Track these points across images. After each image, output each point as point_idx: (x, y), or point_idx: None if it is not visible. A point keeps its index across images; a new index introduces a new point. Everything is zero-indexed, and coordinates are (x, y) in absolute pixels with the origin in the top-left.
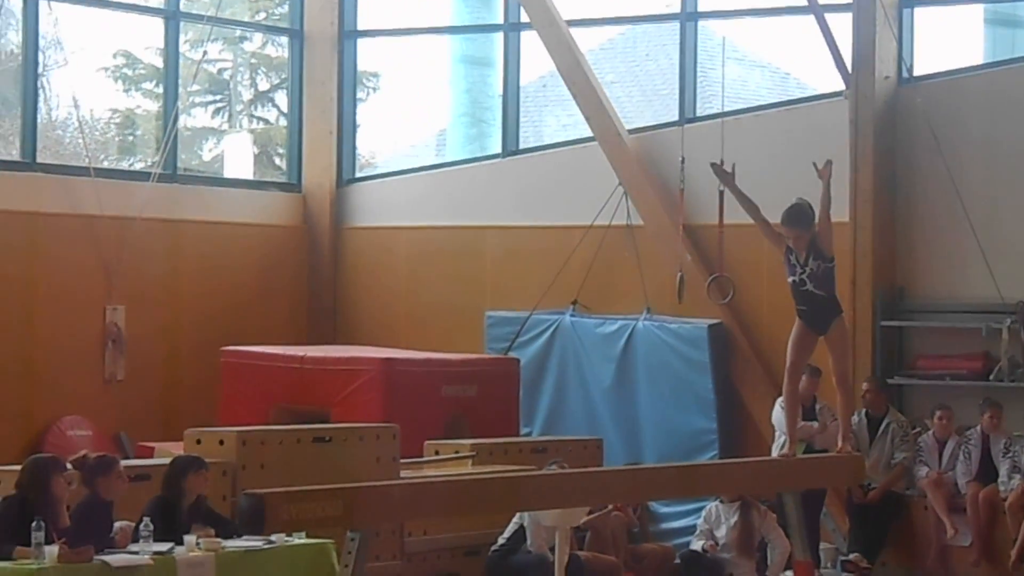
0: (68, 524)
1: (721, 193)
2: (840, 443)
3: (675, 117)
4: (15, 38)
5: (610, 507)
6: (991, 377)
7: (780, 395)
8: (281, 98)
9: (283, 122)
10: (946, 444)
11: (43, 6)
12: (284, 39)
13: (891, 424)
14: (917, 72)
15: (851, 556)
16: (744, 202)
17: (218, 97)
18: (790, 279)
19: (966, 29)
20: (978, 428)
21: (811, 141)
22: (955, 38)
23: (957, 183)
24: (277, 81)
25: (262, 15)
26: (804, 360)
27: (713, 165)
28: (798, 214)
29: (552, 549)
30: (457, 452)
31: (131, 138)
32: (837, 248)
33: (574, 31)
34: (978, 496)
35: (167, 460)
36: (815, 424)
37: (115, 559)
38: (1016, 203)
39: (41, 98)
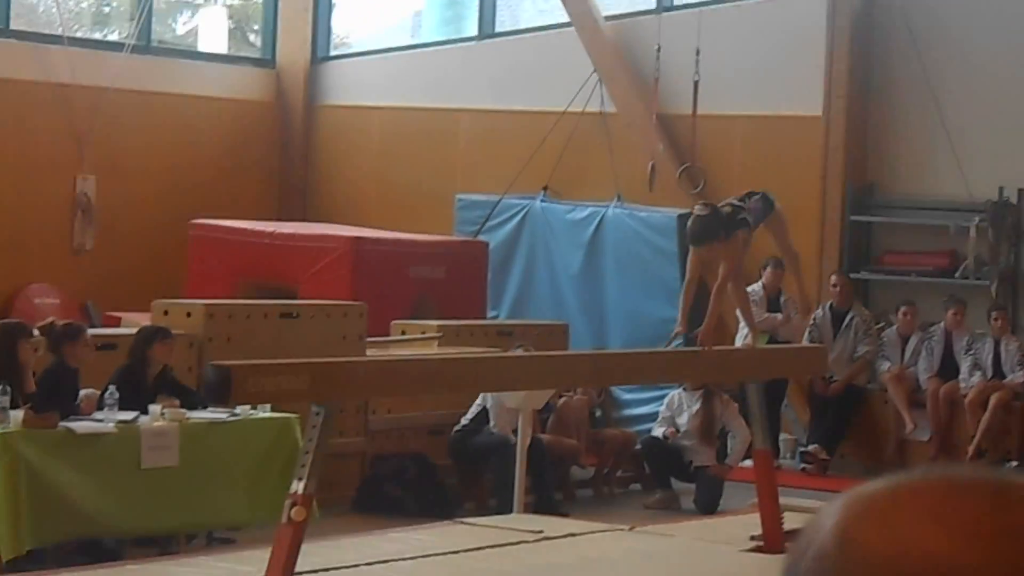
0: (33, 390)
1: (695, 83)
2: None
3: (652, 5)
4: None
5: (574, 392)
6: (957, 275)
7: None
8: None
9: None
10: (909, 340)
11: None
12: None
13: (855, 318)
14: None
15: (810, 447)
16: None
17: None
18: None
19: None
20: (941, 325)
21: (788, 34)
22: None
23: (931, 81)
24: None
25: None
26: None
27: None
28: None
29: (515, 431)
30: (423, 332)
31: (106, 9)
32: (809, 143)
33: None
34: (938, 392)
35: (134, 330)
36: (779, 316)
37: (79, 426)
38: (989, 103)
39: None
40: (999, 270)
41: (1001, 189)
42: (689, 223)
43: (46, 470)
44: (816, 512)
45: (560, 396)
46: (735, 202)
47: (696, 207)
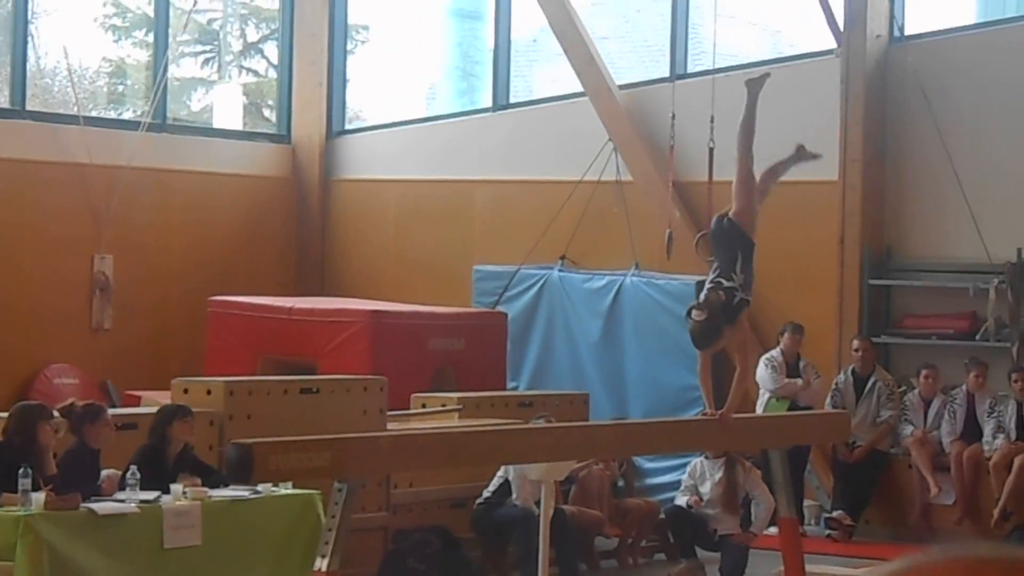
0: (54, 472)
1: (711, 150)
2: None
3: (666, 73)
4: None
5: (593, 461)
6: (977, 337)
7: (765, 352)
8: (271, 49)
9: (273, 73)
10: (931, 403)
11: None
12: None
13: (877, 382)
14: (908, 31)
15: (835, 513)
16: (749, 122)
17: (208, 47)
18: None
19: None
20: (964, 387)
21: (802, 100)
22: None
23: (947, 143)
24: (267, 32)
25: None
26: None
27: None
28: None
29: (537, 503)
30: (444, 405)
31: (121, 87)
32: (826, 207)
33: None
34: (962, 455)
35: (154, 409)
36: (799, 381)
37: (102, 507)
38: (1005, 164)
39: (30, 46)
40: (1020, 331)
41: (1020, 250)
42: (690, 330)
43: (69, 552)
44: None
45: (583, 467)
46: (723, 282)
47: (692, 312)
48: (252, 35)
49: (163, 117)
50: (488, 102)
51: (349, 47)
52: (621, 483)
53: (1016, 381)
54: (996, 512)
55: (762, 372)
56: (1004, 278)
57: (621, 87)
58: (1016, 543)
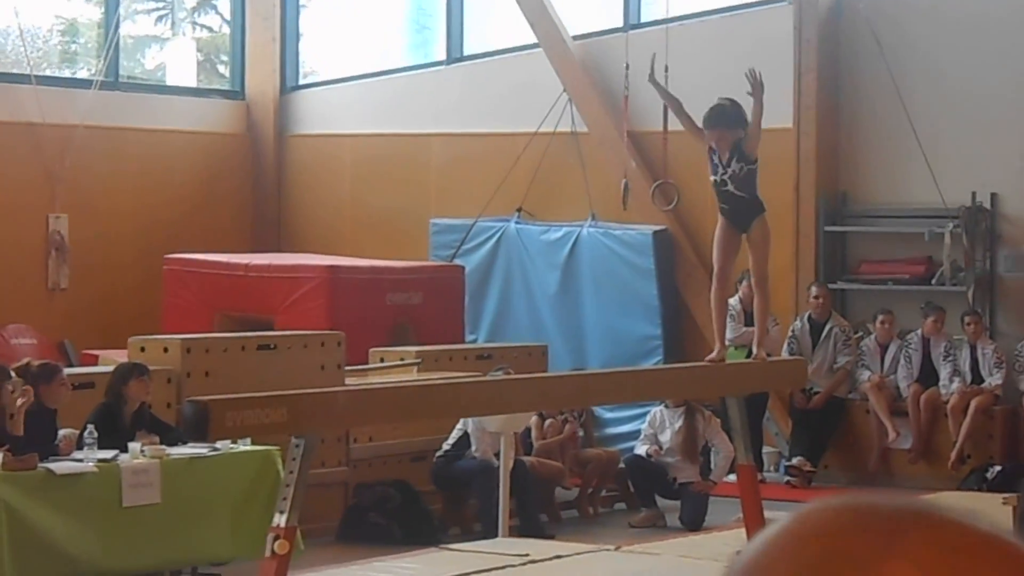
0: (19, 432)
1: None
2: (755, 349)
3: (620, 23)
4: None
5: (561, 430)
6: (933, 281)
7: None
8: (224, 5)
9: (226, 29)
10: (888, 348)
11: None
12: None
13: (834, 328)
14: None
15: (794, 460)
16: (669, 100)
17: (161, 4)
18: (712, 178)
19: None
20: (919, 332)
21: (755, 48)
22: None
23: (900, 89)
24: None
25: None
26: (730, 262)
27: (651, 77)
28: (719, 114)
29: (497, 455)
30: (402, 359)
31: (73, 46)
32: (781, 154)
33: None
34: (919, 399)
35: (111, 368)
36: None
37: (60, 466)
38: (959, 109)
39: None
40: (975, 275)
41: (974, 194)
42: (730, 191)
43: (27, 512)
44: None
45: (543, 419)
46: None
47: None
48: None
49: (116, 75)
50: (442, 55)
51: (302, 1)
52: (581, 433)
53: (969, 324)
54: (953, 454)
55: None
56: (959, 222)
57: (575, 37)
58: (972, 485)
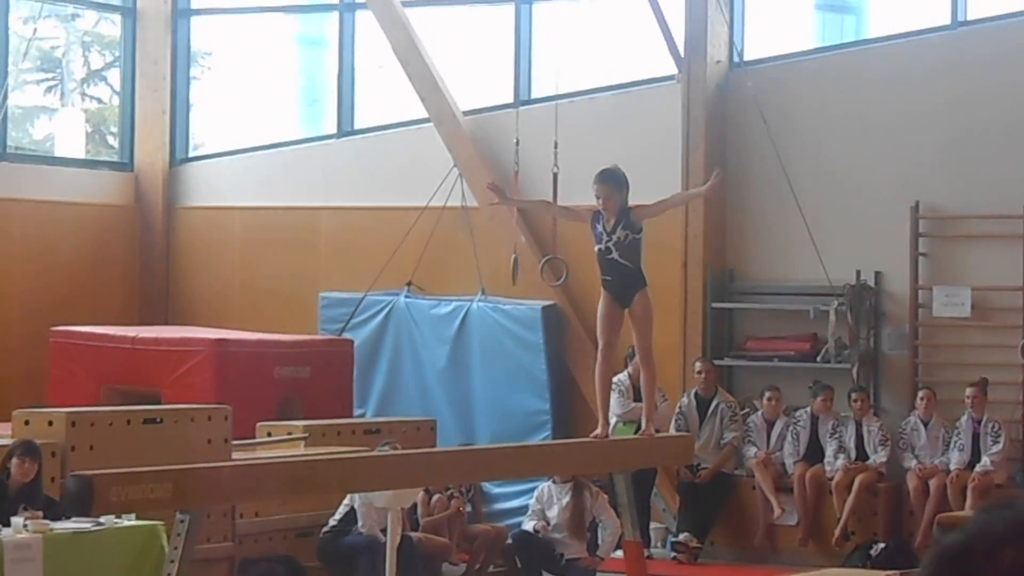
0: None
1: (555, 175)
2: (644, 424)
3: (510, 99)
4: None
5: (448, 506)
6: (818, 359)
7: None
8: (114, 76)
9: (116, 100)
10: (774, 424)
11: None
12: (117, 16)
13: (720, 405)
14: (748, 56)
15: (681, 536)
16: (534, 206)
17: (50, 75)
18: (596, 247)
19: (796, 14)
20: (808, 410)
21: (644, 124)
22: (786, 23)
23: (786, 167)
24: (110, 59)
25: None
26: (615, 337)
27: (489, 184)
28: (610, 173)
29: (384, 530)
30: (290, 433)
31: None
32: (669, 230)
33: (409, 11)
34: (805, 476)
35: None
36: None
37: None
38: (844, 186)
39: None
40: (859, 352)
41: (858, 272)
42: (613, 264)
43: None
44: None
45: (430, 495)
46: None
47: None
48: (96, 62)
49: (3, 146)
50: (333, 128)
51: (193, 73)
52: (468, 508)
53: (856, 401)
54: (838, 531)
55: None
56: (843, 300)
57: (465, 113)
58: (856, 562)
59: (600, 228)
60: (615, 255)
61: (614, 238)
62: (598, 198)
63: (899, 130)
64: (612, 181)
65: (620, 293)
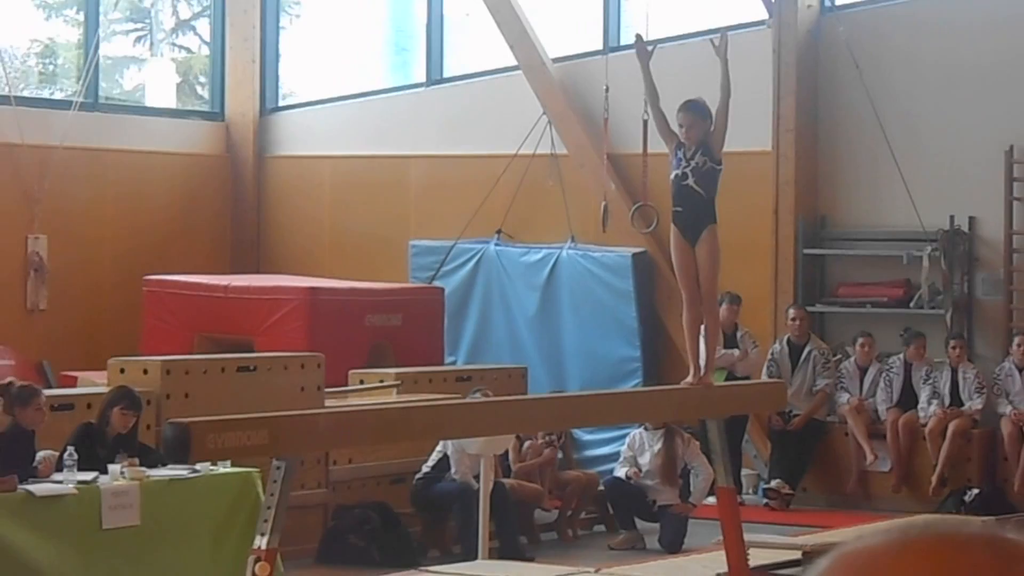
0: None
1: (645, 122)
2: (703, 373)
3: (599, 46)
4: None
5: (540, 453)
6: (911, 304)
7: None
8: (203, 26)
9: (205, 50)
10: (867, 371)
11: None
12: None
13: (813, 351)
14: (840, 1)
15: (773, 482)
16: (650, 86)
17: (139, 25)
18: (673, 174)
19: None
20: (901, 356)
21: (734, 70)
22: None
23: (879, 111)
24: (199, 9)
25: None
26: (695, 283)
27: (637, 37)
28: (695, 103)
29: (476, 477)
30: (381, 381)
31: (52, 67)
32: (760, 177)
33: None
34: (898, 422)
35: (90, 390)
36: (736, 352)
37: (39, 488)
38: (937, 131)
39: None
40: (953, 298)
41: (952, 218)
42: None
43: (6, 534)
44: (809, 568)
45: (522, 442)
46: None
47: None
48: (184, 12)
49: (95, 96)
50: (422, 77)
51: (282, 23)
52: (560, 455)
53: (954, 348)
54: (934, 479)
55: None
56: (937, 245)
57: (555, 60)
58: (950, 508)
59: (680, 154)
60: (691, 180)
61: (692, 163)
62: (681, 126)
63: (992, 74)
64: (696, 110)
65: (689, 227)
